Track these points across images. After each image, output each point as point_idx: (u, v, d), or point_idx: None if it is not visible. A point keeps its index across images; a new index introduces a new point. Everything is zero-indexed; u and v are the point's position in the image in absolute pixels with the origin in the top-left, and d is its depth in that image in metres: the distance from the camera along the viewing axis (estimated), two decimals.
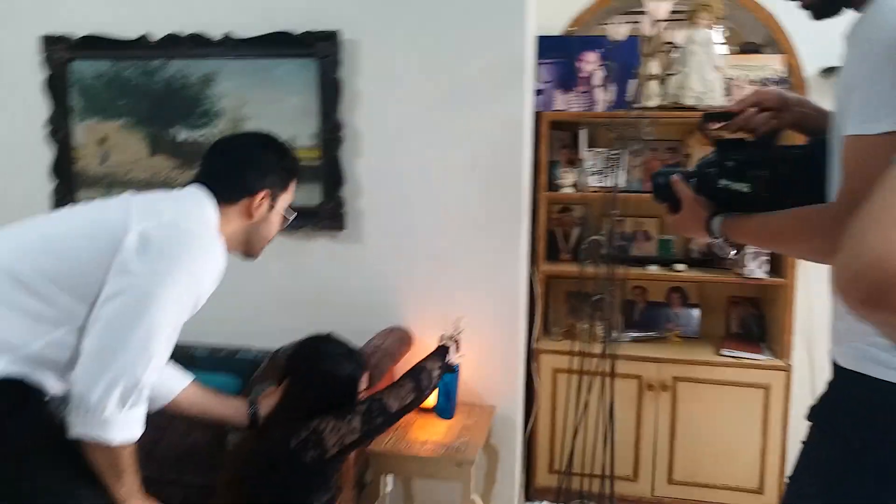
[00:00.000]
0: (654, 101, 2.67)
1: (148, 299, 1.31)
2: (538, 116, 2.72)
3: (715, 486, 2.67)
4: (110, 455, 1.33)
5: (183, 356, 2.39)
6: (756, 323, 2.88)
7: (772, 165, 1.17)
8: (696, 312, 2.93)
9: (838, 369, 1.10)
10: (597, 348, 2.49)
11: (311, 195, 2.50)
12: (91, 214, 1.43)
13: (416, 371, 1.78)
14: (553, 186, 2.84)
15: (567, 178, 2.82)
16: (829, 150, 1.07)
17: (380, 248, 2.51)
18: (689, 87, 2.66)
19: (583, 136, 2.80)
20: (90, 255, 1.34)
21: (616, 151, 2.57)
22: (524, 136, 2.43)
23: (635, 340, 2.84)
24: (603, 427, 2.51)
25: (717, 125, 1.30)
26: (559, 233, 2.98)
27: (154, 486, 1.93)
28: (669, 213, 1.32)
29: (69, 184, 2.67)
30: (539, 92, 2.77)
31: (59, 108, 2.64)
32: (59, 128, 2.65)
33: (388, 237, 2.50)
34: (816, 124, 1.25)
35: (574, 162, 2.86)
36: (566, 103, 2.77)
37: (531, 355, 2.72)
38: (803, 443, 1.18)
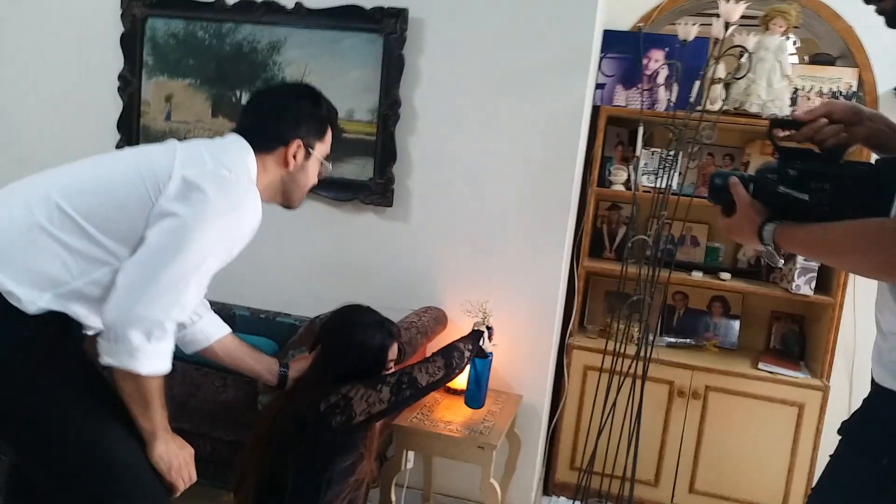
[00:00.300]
0: (716, 105, 2.62)
1: (184, 241, 1.36)
2: (596, 110, 2.70)
3: (737, 500, 2.64)
4: (137, 385, 1.39)
5: (224, 316, 2.47)
6: (797, 340, 2.82)
7: (835, 179, 1.13)
8: (736, 324, 2.89)
9: (875, 386, 1.11)
10: (630, 349, 2.48)
11: (364, 169, 2.54)
12: (136, 160, 1.47)
13: (449, 349, 1.81)
14: (604, 182, 2.82)
15: (619, 175, 2.80)
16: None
17: (424, 229, 2.54)
18: (755, 93, 2.61)
19: (640, 133, 2.77)
20: (132, 201, 1.40)
21: (672, 152, 2.53)
22: (580, 130, 2.41)
23: (671, 346, 2.82)
24: (628, 429, 2.50)
25: (784, 133, 1.27)
26: (605, 230, 2.96)
27: (185, 437, 2.01)
28: (722, 215, 1.29)
29: (134, 138, 2.77)
30: (600, 86, 2.74)
31: (131, 64, 2.74)
32: (129, 82, 2.74)
33: (433, 218, 2.53)
34: (889, 141, 1.22)
35: (628, 159, 2.84)
36: (626, 99, 2.75)
37: (564, 350, 2.73)
38: (831, 457, 1.19)
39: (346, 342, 1.71)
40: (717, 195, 1.28)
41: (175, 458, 1.48)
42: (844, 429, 1.17)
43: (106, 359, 1.37)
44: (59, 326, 1.40)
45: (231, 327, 1.84)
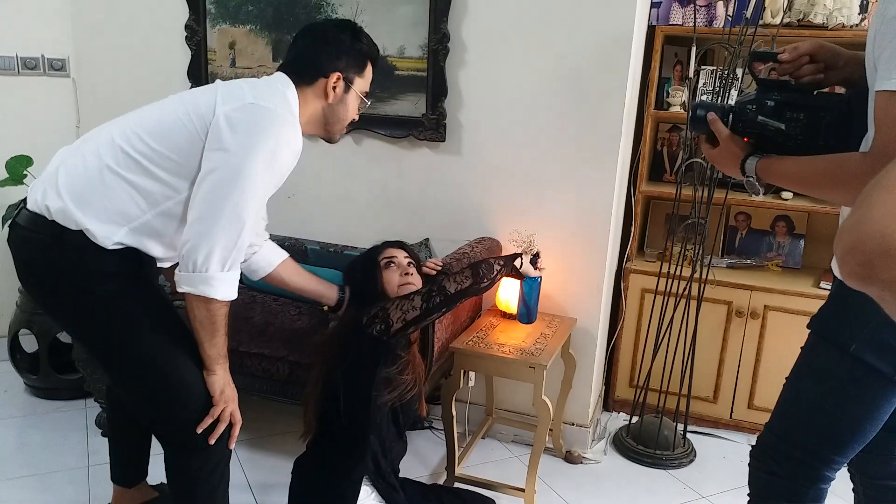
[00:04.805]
0: (777, 18, 2.51)
1: (238, 173, 1.51)
2: (652, 31, 2.64)
3: None
4: (209, 311, 1.56)
5: (298, 250, 2.66)
6: None
7: (809, 110, 1.20)
8: (801, 243, 2.84)
9: (837, 282, 1.25)
10: (687, 272, 2.51)
11: (416, 106, 2.61)
12: (183, 102, 1.61)
13: (478, 263, 1.93)
14: (662, 104, 2.78)
15: (677, 96, 2.75)
16: (865, 101, 1.10)
17: (476, 161, 2.59)
18: (821, 2, 2.48)
19: (693, 53, 2.70)
20: (184, 138, 1.55)
21: (730, 70, 2.47)
22: (631, 52, 2.37)
23: (731, 267, 2.81)
24: (684, 348, 2.55)
25: (764, 66, 1.33)
26: (666, 153, 2.93)
27: (266, 361, 2.24)
28: (706, 143, 1.38)
29: (203, 85, 2.92)
30: (656, 5, 2.67)
31: (195, 13, 2.87)
32: (195, 32, 2.88)
33: (485, 150, 2.58)
34: (865, 84, 1.27)
35: (687, 80, 2.77)
36: (683, 18, 2.67)
37: (621, 274, 2.78)
38: (803, 349, 1.35)
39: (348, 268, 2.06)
40: (698, 126, 1.34)
41: (228, 385, 1.65)
42: (814, 323, 1.30)
43: (184, 287, 1.54)
44: (135, 261, 1.59)
45: (304, 261, 2.04)
